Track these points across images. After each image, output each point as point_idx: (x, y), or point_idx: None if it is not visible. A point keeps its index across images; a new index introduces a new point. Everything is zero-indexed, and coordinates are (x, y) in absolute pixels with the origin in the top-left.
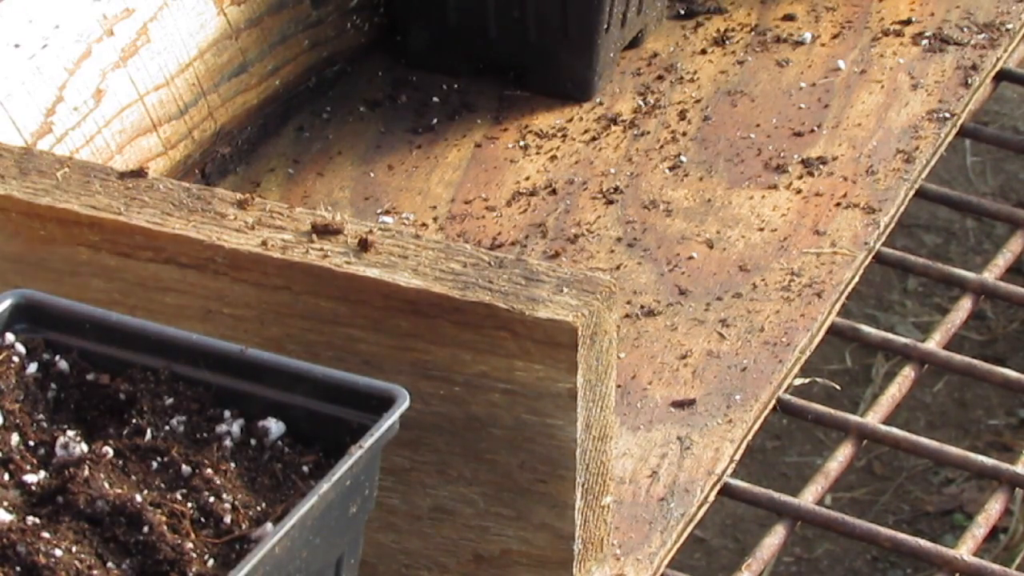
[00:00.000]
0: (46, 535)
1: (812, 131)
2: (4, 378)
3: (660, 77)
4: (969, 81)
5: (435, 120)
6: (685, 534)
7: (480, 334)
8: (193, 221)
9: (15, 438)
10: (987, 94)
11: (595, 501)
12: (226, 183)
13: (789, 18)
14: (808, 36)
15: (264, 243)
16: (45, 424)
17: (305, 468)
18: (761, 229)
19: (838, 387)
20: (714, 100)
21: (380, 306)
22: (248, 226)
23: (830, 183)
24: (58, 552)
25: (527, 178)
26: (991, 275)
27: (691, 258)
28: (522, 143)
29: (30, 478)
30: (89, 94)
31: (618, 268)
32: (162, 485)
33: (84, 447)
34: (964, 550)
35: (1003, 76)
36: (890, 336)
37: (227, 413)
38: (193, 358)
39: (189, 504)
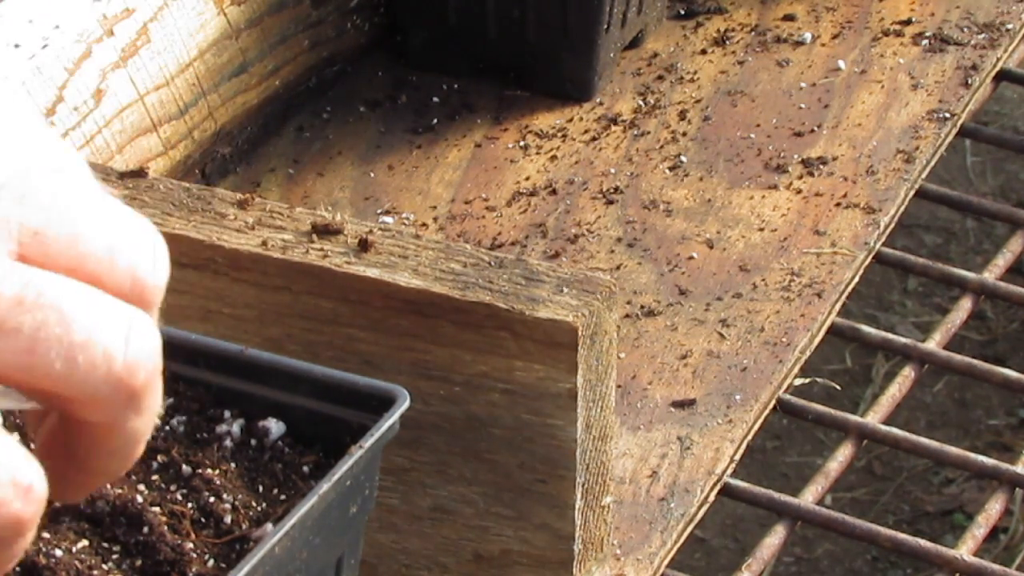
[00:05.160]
0: (46, 535)
1: (812, 131)
2: None
3: (660, 77)
4: (969, 81)
5: (435, 120)
6: (685, 534)
7: (480, 334)
8: (193, 221)
9: (16, 438)
10: (987, 94)
11: (595, 501)
12: (226, 183)
13: (789, 18)
14: (808, 36)
15: (264, 243)
16: None
17: (305, 468)
18: (761, 229)
19: (838, 387)
20: (714, 100)
21: (380, 306)
22: (248, 226)
23: (830, 183)
24: (58, 552)
25: (527, 178)
26: (991, 275)
27: (691, 258)
28: (522, 143)
29: None
30: (89, 94)
31: (618, 268)
32: (162, 485)
33: None
34: (964, 550)
35: (1003, 76)
36: (890, 336)
37: (227, 413)
38: (193, 358)
39: (189, 504)
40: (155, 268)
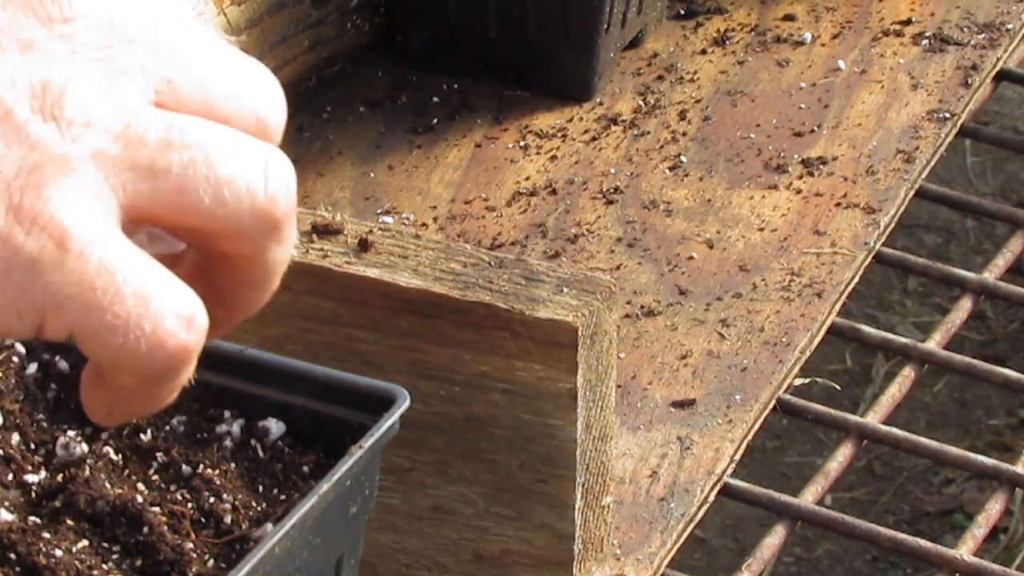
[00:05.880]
0: (46, 535)
1: (812, 131)
2: (4, 378)
3: (660, 77)
4: (969, 81)
5: (435, 120)
6: (685, 534)
7: (480, 334)
8: None
9: (16, 438)
10: (987, 94)
11: (595, 501)
12: None
13: (789, 18)
14: (808, 36)
15: None
16: (45, 424)
17: (305, 468)
18: (761, 229)
19: (838, 387)
20: (714, 100)
21: (380, 306)
22: None
23: (830, 183)
24: (58, 552)
25: (527, 178)
26: (991, 275)
27: (691, 258)
28: (522, 143)
29: (31, 478)
30: None
31: (618, 268)
32: (162, 485)
33: (84, 447)
34: (964, 550)
35: (1003, 76)
36: (890, 336)
37: (227, 413)
38: None
39: (189, 504)
40: (274, 108)
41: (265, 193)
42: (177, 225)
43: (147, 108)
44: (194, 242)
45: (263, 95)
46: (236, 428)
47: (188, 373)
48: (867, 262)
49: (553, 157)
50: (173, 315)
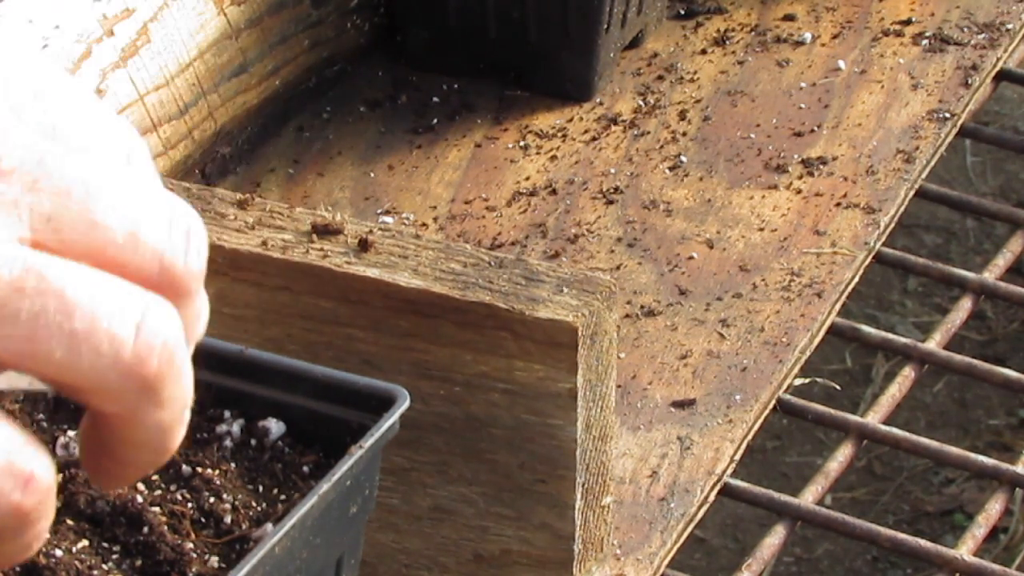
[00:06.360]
0: (46, 535)
1: (812, 131)
2: None
3: (660, 77)
4: (969, 81)
5: (435, 120)
6: (685, 534)
7: (480, 334)
8: None
9: (17, 425)
10: (987, 94)
11: (595, 501)
12: (226, 183)
13: (789, 18)
14: (808, 36)
15: (264, 243)
16: (45, 424)
17: (305, 468)
18: (761, 229)
19: (838, 387)
20: (714, 100)
21: (380, 306)
22: (248, 226)
23: (830, 183)
24: (58, 552)
25: (527, 178)
26: (991, 275)
27: (691, 258)
28: (522, 143)
29: None
30: None
31: (618, 268)
32: (162, 485)
33: None
34: (964, 550)
35: (1003, 76)
36: (890, 336)
37: (227, 413)
38: (193, 358)
39: (189, 504)
40: (187, 253)
41: (133, 349)
42: (35, 374)
43: (7, 247)
44: (62, 392)
45: (172, 239)
46: (236, 428)
47: (34, 534)
48: (867, 262)
49: (553, 157)
50: (5, 472)
